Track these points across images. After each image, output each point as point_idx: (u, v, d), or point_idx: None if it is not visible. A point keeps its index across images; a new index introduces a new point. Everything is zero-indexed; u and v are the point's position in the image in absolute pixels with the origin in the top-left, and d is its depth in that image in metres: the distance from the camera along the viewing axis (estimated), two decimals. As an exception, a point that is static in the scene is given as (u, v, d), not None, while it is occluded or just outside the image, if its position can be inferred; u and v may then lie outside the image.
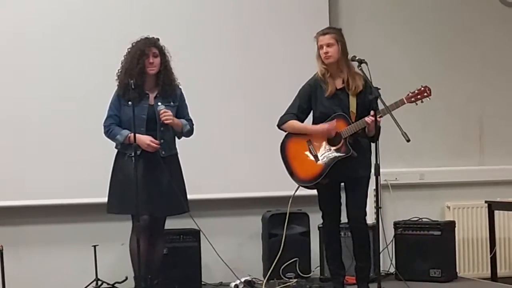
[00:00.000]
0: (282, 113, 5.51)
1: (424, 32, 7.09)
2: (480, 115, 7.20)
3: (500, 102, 7.24)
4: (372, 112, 5.18)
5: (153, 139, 5.21)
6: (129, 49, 5.32)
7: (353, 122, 5.28)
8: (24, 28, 6.21)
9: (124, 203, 5.19)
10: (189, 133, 5.44)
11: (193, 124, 5.45)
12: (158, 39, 5.34)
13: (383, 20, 6.99)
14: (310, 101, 5.42)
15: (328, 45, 5.32)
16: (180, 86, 5.44)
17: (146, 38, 5.32)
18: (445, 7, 7.16)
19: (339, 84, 5.37)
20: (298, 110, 5.44)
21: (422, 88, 5.31)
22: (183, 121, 5.38)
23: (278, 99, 6.31)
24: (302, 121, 5.46)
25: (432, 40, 7.10)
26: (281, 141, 5.48)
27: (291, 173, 5.43)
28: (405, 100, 5.29)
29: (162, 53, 5.32)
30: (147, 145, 5.17)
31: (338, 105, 5.33)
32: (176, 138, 5.43)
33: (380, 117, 5.18)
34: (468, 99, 7.16)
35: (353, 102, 5.32)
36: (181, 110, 5.41)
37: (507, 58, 7.27)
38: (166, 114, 5.22)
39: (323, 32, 5.39)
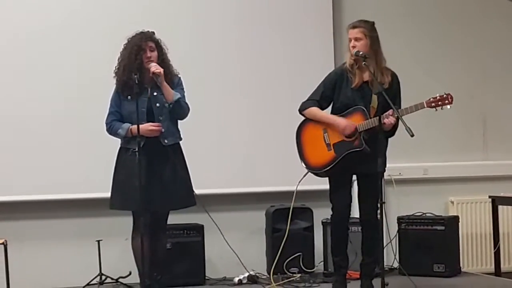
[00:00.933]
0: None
1: (427, 28, 7.08)
2: (484, 110, 7.19)
3: (503, 97, 7.24)
4: (390, 111, 5.16)
5: (152, 123, 5.17)
6: (125, 45, 5.27)
7: (370, 117, 5.26)
8: (24, 27, 6.21)
9: (126, 200, 5.17)
10: (182, 108, 5.26)
11: (189, 108, 5.32)
12: (153, 33, 5.28)
13: (387, 17, 6.96)
14: (334, 90, 5.39)
15: (356, 39, 5.29)
16: (179, 75, 5.38)
17: (142, 32, 5.26)
18: (449, 3, 7.15)
19: (366, 76, 5.33)
20: (321, 97, 5.41)
21: (445, 95, 5.26)
22: (176, 92, 5.25)
23: (282, 96, 6.36)
24: (323, 109, 5.45)
25: (436, 36, 7.09)
26: (298, 125, 5.47)
27: (302, 158, 5.43)
28: (425, 104, 5.25)
29: (158, 47, 5.27)
30: (149, 130, 5.12)
31: (361, 98, 5.31)
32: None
33: (396, 117, 5.15)
34: (472, 94, 7.15)
35: (375, 97, 5.28)
36: None
37: (511, 54, 7.26)
38: (156, 65, 5.15)
39: (353, 25, 5.35)
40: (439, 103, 5.27)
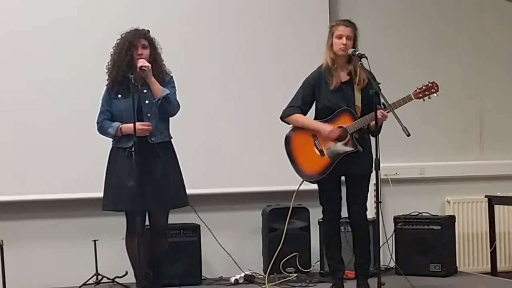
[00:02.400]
0: (283, 107, 5.48)
1: (424, 27, 7.08)
2: (480, 109, 7.20)
3: (500, 97, 7.24)
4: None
5: (142, 122, 5.11)
6: (117, 41, 5.24)
7: (358, 117, 5.25)
8: (24, 22, 6.20)
9: (118, 200, 5.14)
10: (171, 105, 5.20)
11: (178, 105, 5.27)
12: (148, 31, 5.25)
13: (383, 15, 6.98)
14: (314, 93, 5.37)
15: (348, 38, 5.26)
16: (171, 74, 5.33)
17: (136, 29, 5.22)
18: (445, 2, 7.15)
19: (344, 77, 5.33)
20: (302, 102, 5.39)
21: (430, 84, 5.29)
22: (164, 89, 5.19)
23: (278, 95, 6.30)
24: (306, 113, 5.43)
25: (432, 35, 7.09)
26: (285, 134, 5.44)
27: (296, 168, 5.39)
28: (412, 96, 5.26)
29: (151, 45, 5.22)
30: (139, 130, 5.06)
31: (343, 99, 5.30)
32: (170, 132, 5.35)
33: (387, 112, 5.16)
34: (468, 93, 7.16)
35: (358, 96, 5.28)
36: None
37: (507, 53, 7.27)
38: (144, 60, 5.10)
39: (346, 24, 5.31)
40: (426, 92, 5.30)
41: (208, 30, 6.55)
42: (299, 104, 5.39)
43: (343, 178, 5.44)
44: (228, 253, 5.93)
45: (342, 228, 5.62)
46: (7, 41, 6.18)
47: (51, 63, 6.23)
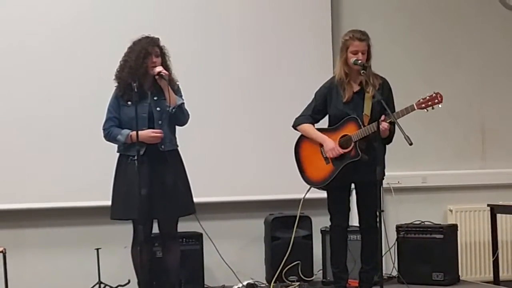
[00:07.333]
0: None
1: (426, 34, 7.09)
2: (482, 118, 7.20)
3: (502, 105, 7.24)
4: (383, 117, 5.16)
5: (154, 130, 5.14)
6: (130, 48, 5.24)
7: (364, 126, 5.25)
8: (25, 31, 6.21)
9: (129, 209, 5.12)
10: (183, 114, 5.27)
11: (188, 114, 5.32)
12: (158, 39, 5.28)
13: (385, 22, 6.99)
14: (325, 103, 5.41)
15: (363, 52, 5.26)
16: (178, 83, 5.35)
17: (148, 37, 5.24)
18: (447, 10, 7.16)
19: (356, 87, 5.35)
20: (313, 111, 5.44)
21: (434, 95, 5.23)
22: (178, 98, 5.25)
23: (282, 102, 6.36)
24: (318, 121, 5.48)
25: (434, 43, 7.10)
26: (296, 140, 5.50)
27: (302, 173, 5.45)
28: (415, 107, 5.22)
29: (162, 53, 5.26)
30: (151, 137, 5.09)
31: (353, 108, 5.31)
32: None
33: (389, 122, 5.15)
34: (470, 102, 7.16)
35: (368, 105, 5.28)
36: None
37: (509, 61, 7.27)
38: (162, 68, 5.13)
39: (360, 38, 5.28)
40: (429, 103, 5.24)
41: (214, 37, 6.55)
42: (310, 113, 5.45)
43: (352, 185, 5.48)
44: (228, 265, 5.92)
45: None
46: (13, 50, 6.19)
47: (57, 70, 6.24)
